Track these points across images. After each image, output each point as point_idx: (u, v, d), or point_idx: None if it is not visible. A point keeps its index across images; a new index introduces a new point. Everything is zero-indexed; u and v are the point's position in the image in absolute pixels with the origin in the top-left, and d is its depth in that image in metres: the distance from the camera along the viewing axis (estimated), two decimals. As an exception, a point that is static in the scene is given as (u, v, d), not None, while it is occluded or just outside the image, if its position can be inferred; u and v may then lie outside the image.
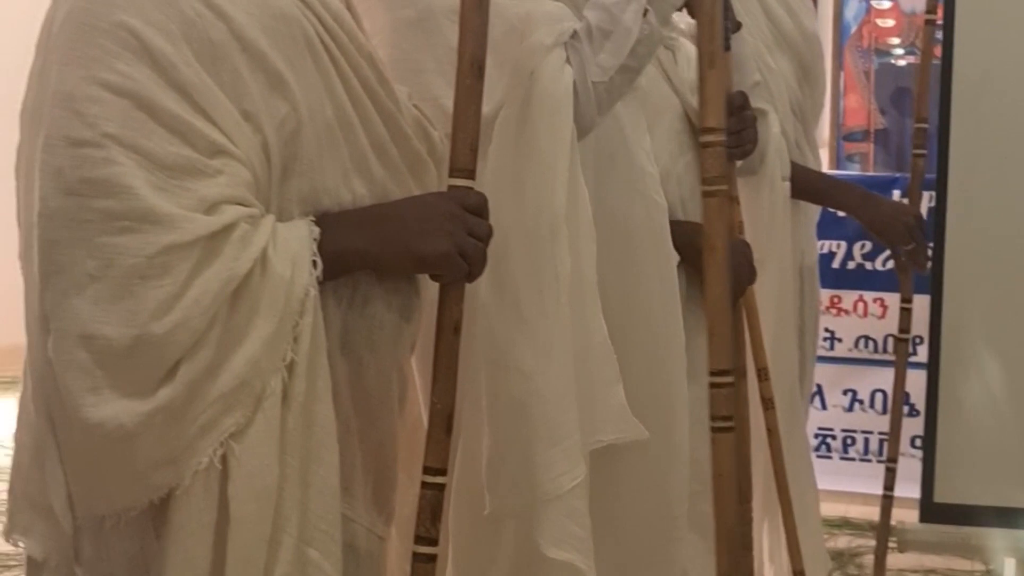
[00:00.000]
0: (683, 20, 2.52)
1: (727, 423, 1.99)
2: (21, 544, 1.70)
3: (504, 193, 1.98)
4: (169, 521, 1.59)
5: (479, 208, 1.74)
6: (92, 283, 1.55)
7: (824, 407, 5.20)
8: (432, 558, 1.75)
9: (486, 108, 1.80)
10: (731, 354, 2.04)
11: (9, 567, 4.16)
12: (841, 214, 3.88)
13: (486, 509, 2.00)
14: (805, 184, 3.13)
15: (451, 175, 1.76)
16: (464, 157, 1.76)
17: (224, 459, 1.59)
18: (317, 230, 1.65)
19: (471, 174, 1.76)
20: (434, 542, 1.75)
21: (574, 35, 2.08)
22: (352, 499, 1.74)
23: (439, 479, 1.75)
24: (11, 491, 1.71)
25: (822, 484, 3.40)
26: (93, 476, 1.60)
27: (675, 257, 2.32)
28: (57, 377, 1.56)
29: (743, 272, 2.59)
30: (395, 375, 1.81)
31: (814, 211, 3.39)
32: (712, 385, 2.00)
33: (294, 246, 1.63)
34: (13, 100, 1.76)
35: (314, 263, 1.64)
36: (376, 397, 1.78)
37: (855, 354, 5.21)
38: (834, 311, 5.18)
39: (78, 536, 1.66)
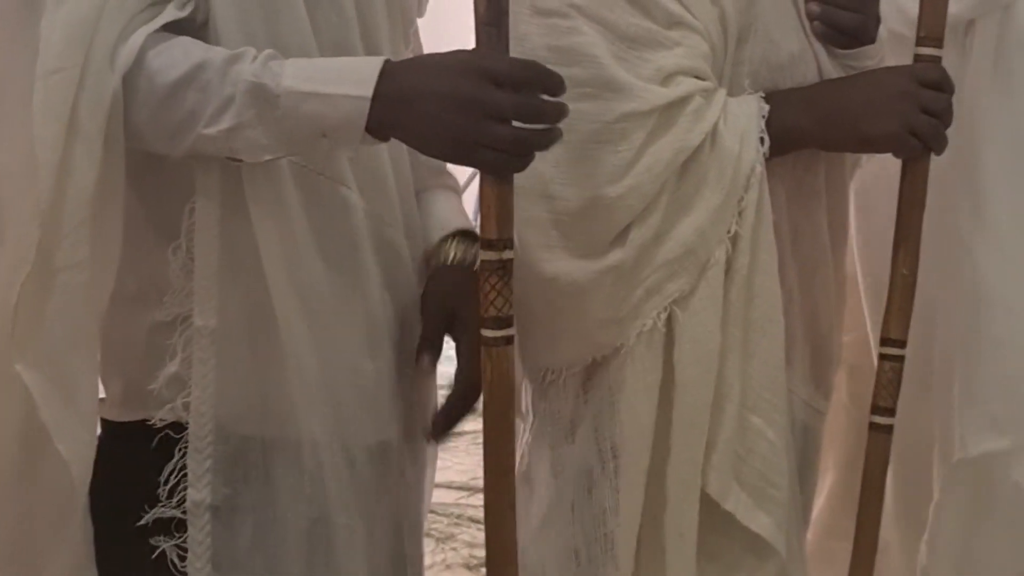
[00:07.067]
0: None
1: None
2: None
3: (982, 128, 1.91)
4: (613, 379, 1.68)
5: (938, 83, 1.69)
6: (555, 146, 1.64)
7: None
8: (890, 429, 1.76)
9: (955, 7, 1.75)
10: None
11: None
12: None
13: (956, 454, 1.96)
14: None
15: (918, 43, 1.71)
16: (933, 25, 1.70)
17: (669, 324, 1.65)
18: (766, 107, 1.66)
19: (940, 43, 1.71)
20: (892, 412, 1.75)
21: None
22: (791, 371, 1.75)
23: (900, 351, 1.75)
24: None
25: None
26: (545, 329, 1.71)
27: None
28: (517, 232, 1.66)
29: None
30: (828, 243, 1.80)
31: None
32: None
33: (744, 122, 1.65)
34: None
35: (761, 139, 1.65)
36: (810, 263, 1.77)
37: None
38: None
39: (523, 388, 1.78)
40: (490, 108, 1.42)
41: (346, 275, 1.60)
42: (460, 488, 4.08)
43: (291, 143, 1.47)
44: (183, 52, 1.47)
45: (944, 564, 1.98)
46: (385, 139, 1.49)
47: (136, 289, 1.55)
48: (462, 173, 1.75)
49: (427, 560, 1.86)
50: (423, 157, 1.67)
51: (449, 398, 1.68)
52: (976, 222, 1.92)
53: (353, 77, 1.45)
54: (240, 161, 1.49)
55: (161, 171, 1.54)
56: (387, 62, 1.46)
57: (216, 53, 1.47)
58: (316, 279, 1.57)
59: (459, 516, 3.93)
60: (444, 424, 1.69)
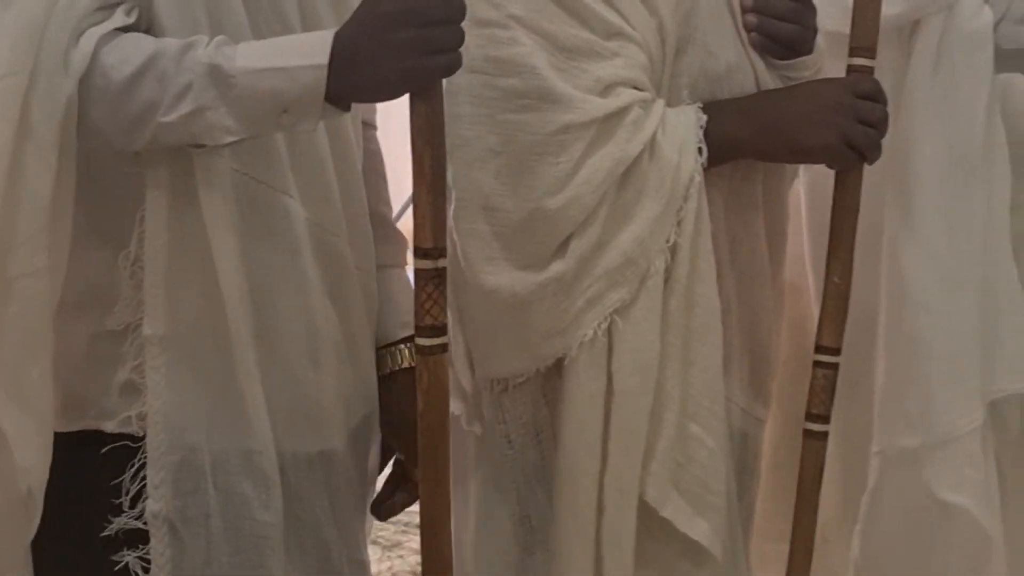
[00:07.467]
0: None
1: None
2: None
3: (919, 127, 1.92)
4: (563, 389, 1.69)
5: (873, 93, 1.71)
6: (495, 158, 1.65)
7: None
8: (824, 435, 1.78)
9: (891, 9, 1.77)
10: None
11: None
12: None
13: (874, 447, 1.98)
14: None
15: (851, 54, 1.74)
16: (865, 36, 1.73)
17: (609, 333, 1.66)
18: (704, 117, 1.68)
19: (872, 53, 1.73)
20: (826, 419, 1.77)
21: None
22: (730, 379, 1.77)
23: (834, 358, 1.77)
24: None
25: None
26: (488, 340, 1.72)
27: None
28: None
29: None
30: (766, 252, 1.82)
31: None
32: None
33: (682, 132, 1.66)
34: None
35: (699, 150, 1.66)
36: (748, 272, 1.79)
37: None
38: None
39: (478, 396, 1.79)
40: (421, 15, 1.44)
41: (287, 284, 1.61)
42: (407, 496, 4.10)
43: (252, 122, 1.48)
44: (135, 45, 1.47)
45: (876, 554, 2.01)
46: (346, 108, 1.51)
47: (74, 299, 1.55)
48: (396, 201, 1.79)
49: (374, 568, 1.87)
50: (386, 230, 1.76)
51: (408, 492, 1.78)
52: (905, 223, 1.95)
53: (306, 49, 1.47)
54: (202, 147, 1.49)
55: (102, 179, 1.54)
56: (336, 32, 1.48)
57: (169, 44, 1.47)
58: (257, 287, 1.57)
59: (406, 524, 3.92)
60: (393, 512, 1.81)
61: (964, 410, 1.94)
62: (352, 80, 1.46)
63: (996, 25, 1.98)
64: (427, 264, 1.50)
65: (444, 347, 1.52)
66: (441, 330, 1.51)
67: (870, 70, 1.73)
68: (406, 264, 1.84)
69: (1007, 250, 1.98)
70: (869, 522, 2.00)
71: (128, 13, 1.50)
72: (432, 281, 1.50)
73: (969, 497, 1.94)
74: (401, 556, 3.90)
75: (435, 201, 1.49)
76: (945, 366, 1.94)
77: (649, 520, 1.69)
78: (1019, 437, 2.19)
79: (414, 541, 3.87)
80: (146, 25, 1.51)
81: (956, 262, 1.94)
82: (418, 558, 3.85)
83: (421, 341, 1.52)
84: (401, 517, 1.85)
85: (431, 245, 1.49)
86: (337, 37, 1.47)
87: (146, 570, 1.55)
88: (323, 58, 1.45)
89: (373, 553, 3.76)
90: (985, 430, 1.98)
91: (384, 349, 1.77)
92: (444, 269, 1.51)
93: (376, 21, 1.45)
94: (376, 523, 1.87)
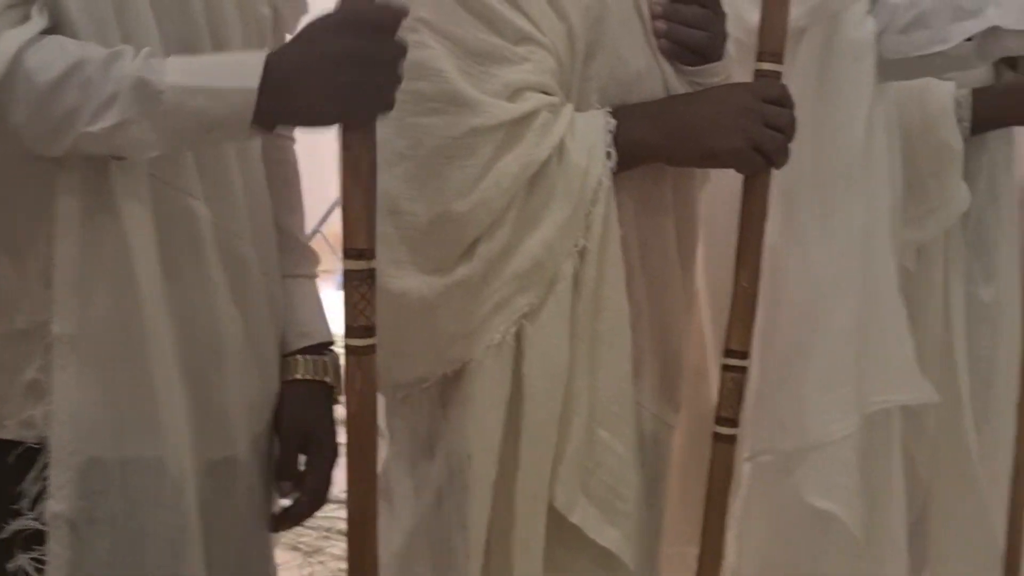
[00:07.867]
0: None
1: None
2: None
3: (801, 134, 1.93)
4: (465, 394, 1.68)
5: (781, 99, 1.72)
6: (402, 161, 1.65)
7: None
8: (732, 439, 1.78)
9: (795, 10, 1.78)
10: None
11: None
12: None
13: (745, 452, 2.00)
14: None
15: (759, 59, 1.75)
16: (773, 40, 1.74)
17: (518, 338, 1.66)
18: (613, 122, 1.68)
19: (780, 58, 1.74)
20: (735, 423, 1.78)
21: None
22: (640, 384, 1.77)
23: (743, 362, 1.78)
24: None
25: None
26: (394, 344, 1.70)
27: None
28: None
29: None
30: (677, 256, 1.82)
31: None
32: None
33: (591, 136, 1.67)
34: None
35: (608, 154, 1.67)
36: (659, 277, 1.79)
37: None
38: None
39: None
40: (363, 58, 1.44)
41: (190, 287, 1.59)
42: (329, 501, 4.07)
43: (176, 139, 1.46)
44: (60, 49, 1.44)
45: (750, 560, 2.03)
46: (271, 129, 1.49)
47: None
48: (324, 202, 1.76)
49: (295, 574, 1.86)
50: (293, 241, 1.75)
51: (296, 504, 1.74)
52: (785, 228, 1.97)
53: (238, 70, 1.46)
54: (123, 159, 1.47)
55: (2, 181, 1.52)
56: (270, 53, 1.47)
57: (94, 50, 1.45)
58: (166, 290, 1.55)
59: (328, 529, 3.87)
60: (287, 525, 1.76)
61: (837, 416, 1.97)
62: (285, 107, 1.46)
63: (879, 35, 2.01)
64: (359, 265, 1.50)
65: (374, 347, 1.52)
66: (372, 330, 1.52)
67: (778, 75, 1.74)
68: (313, 276, 1.83)
69: (888, 260, 2.01)
70: (742, 527, 2.01)
71: (40, 12, 1.47)
72: (365, 282, 1.51)
73: (839, 504, 1.96)
74: (322, 562, 3.87)
75: (368, 202, 1.49)
76: (820, 372, 1.96)
77: (562, 528, 1.68)
78: (935, 439, 2.23)
79: (336, 547, 3.84)
80: (53, 24, 1.48)
81: (834, 269, 1.96)
82: (339, 564, 3.86)
83: (353, 342, 1.51)
84: (322, 523, 1.84)
85: (364, 246, 1.50)
86: (269, 63, 1.45)
87: (40, 571, 1.52)
88: (253, 81, 1.44)
89: (294, 559, 3.75)
90: (892, 432, 2.00)
91: (282, 359, 1.76)
92: (375, 270, 1.51)
93: (317, 62, 1.44)
94: (297, 529, 1.86)
